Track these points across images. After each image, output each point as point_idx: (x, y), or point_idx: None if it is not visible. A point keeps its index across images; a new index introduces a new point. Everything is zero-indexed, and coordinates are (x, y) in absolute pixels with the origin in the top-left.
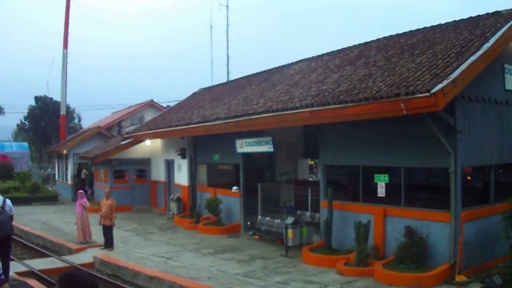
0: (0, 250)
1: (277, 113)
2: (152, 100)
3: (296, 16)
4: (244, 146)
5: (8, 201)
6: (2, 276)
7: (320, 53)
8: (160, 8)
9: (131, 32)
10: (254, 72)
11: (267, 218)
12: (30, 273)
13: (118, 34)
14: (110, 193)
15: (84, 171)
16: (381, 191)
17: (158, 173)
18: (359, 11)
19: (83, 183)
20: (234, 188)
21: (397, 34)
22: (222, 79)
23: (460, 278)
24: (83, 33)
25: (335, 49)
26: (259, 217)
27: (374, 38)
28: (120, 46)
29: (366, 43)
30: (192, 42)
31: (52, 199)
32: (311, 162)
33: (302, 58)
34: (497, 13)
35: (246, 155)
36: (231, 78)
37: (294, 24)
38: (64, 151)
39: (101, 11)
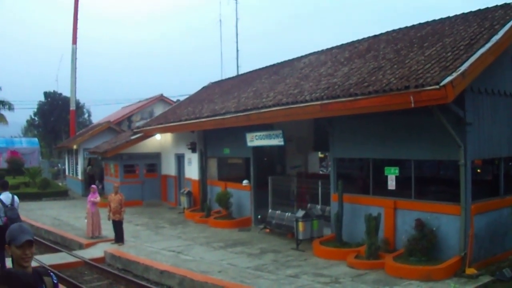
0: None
1: (287, 107)
2: (162, 95)
3: (304, 10)
4: (255, 140)
5: (16, 198)
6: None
7: (329, 46)
8: (170, 6)
9: (142, 30)
10: (265, 64)
11: (278, 212)
12: None
13: (129, 33)
14: (118, 188)
15: (89, 167)
16: (391, 184)
17: (169, 167)
18: (369, 4)
19: (93, 178)
20: (245, 181)
21: (406, 27)
22: (231, 74)
23: (470, 271)
24: (93, 33)
25: (344, 42)
26: (270, 210)
27: (384, 31)
28: (130, 45)
29: (375, 36)
30: (202, 39)
31: (62, 194)
32: (321, 155)
33: (312, 51)
34: (506, 5)
35: (256, 149)
36: (241, 72)
37: (303, 18)
38: (74, 146)
39: (111, 11)
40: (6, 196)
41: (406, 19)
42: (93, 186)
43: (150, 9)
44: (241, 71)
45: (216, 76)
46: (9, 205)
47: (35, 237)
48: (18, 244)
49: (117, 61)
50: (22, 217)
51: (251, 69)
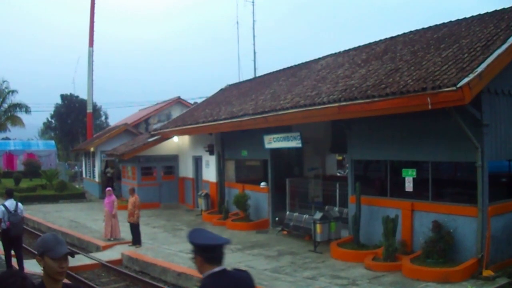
0: (13, 246)
1: (305, 109)
2: (179, 97)
3: (317, 4)
4: (272, 142)
5: (20, 205)
6: None
7: (346, 47)
8: (185, 2)
9: (157, 28)
10: (280, 62)
11: (295, 214)
12: None
13: (144, 31)
14: (132, 190)
15: (108, 169)
16: (408, 186)
17: (186, 170)
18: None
19: (111, 181)
20: (262, 183)
21: (423, 28)
22: (249, 71)
23: (487, 272)
24: (108, 31)
25: (361, 43)
26: (287, 212)
27: (400, 33)
28: (146, 43)
29: (392, 37)
30: (218, 35)
31: (79, 196)
32: (339, 158)
33: (329, 53)
34: None
35: (274, 151)
36: (258, 70)
37: (316, 12)
38: (91, 149)
39: (125, 9)
40: (10, 203)
41: (423, 21)
42: (109, 188)
43: (165, 6)
44: (258, 70)
45: (233, 72)
46: (13, 211)
47: None
48: (56, 256)
49: (132, 60)
50: (40, 219)
51: (266, 63)
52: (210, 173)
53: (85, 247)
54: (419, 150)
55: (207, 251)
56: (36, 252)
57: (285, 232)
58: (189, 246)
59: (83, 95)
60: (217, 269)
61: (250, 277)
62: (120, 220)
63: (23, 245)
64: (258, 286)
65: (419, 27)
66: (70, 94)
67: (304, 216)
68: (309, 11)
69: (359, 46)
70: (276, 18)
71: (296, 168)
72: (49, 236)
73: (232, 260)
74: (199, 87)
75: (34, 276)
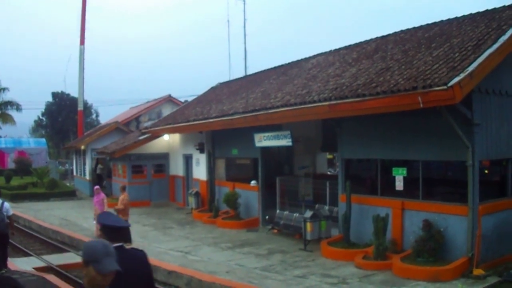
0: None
1: (295, 107)
2: (170, 95)
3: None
4: (263, 140)
5: (6, 204)
6: None
7: (336, 46)
8: (176, 1)
9: (149, 26)
10: (271, 60)
11: (286, 212)
12: (49, 268)
13: (136, 29)
14: (123, 187)
15: (99, 166)
16: (399, 185)
17: (177, 168)
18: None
19: (101, 179)
20: (253, 182)
21: (414, 28)
22: (239, 70)
23: (477, 271)
24: (100, 29)
25: (352, 42)
26: (278, 211)
27: (391, 32)
28: (138, 41)
29: (383, 36)
30: (212, 34)
31: (70, 194)
32: (330, 156)
33: (320, 51)
34: None
35: (264, 149)
36: (250, 70)
37: (308, 10)
38: (82, 147)
39: (118, 7)
40: None
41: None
42: (97, 187)
43: (164, 5)
44: (249, 68)
45: (224, 70)
46: None
47: (43, 237)
48: (103, 272)
49: (124, 58)
50: (30, 217)
51: (257, 61)
52: (200, 171)
53: (76, 245)
54: (409, 149)
55: (110, 230)
56: (82, 258)
57: (275, 231)
58: (179, 245)
59: (74, 93)
60: (115, 244)
61: (145, 255)
62: None
63: (16, 244)
64: (248, 285)
65: (410, 26)
66: (61, 92)
67: (295, 214)
68: (303, 12)
69: (350, 45)
70: (269, 19)
71: (287, 166)
72: (99, 244)
73: (222, 258)
74: (190, 86)
75: (24, 274)
